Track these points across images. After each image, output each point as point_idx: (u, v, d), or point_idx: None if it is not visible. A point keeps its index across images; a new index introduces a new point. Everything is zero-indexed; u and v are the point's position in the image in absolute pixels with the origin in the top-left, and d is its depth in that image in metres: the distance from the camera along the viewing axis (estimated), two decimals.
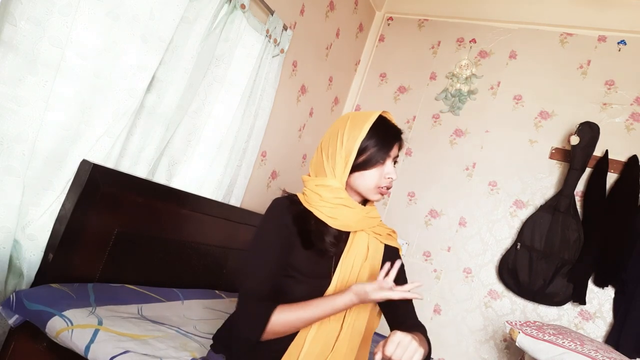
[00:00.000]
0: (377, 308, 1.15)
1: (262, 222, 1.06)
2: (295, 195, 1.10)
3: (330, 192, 1.04)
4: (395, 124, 1.13)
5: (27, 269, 1.28)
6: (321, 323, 1.01)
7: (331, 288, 1.05)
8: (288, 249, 1.04)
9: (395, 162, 1.10)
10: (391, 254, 1.17)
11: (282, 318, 0.97)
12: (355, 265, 1.08)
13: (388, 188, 1.09)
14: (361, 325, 1.07)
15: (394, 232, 1.20)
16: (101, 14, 1.36)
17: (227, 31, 1.79)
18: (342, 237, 1.09)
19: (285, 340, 1.00)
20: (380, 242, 1.14)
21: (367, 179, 1.06)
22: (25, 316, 1.14)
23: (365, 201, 1.13)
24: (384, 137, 1.06)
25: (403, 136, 1.12)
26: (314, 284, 1.06)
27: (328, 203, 1.04)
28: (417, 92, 2.91)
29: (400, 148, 1.12)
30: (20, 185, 1.21)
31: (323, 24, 2.62)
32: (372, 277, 1.09)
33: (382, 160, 1.05)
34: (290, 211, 1.06)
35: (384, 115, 1.11)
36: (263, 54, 2.02)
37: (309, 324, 0.99)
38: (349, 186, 1.08)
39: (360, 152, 1.04)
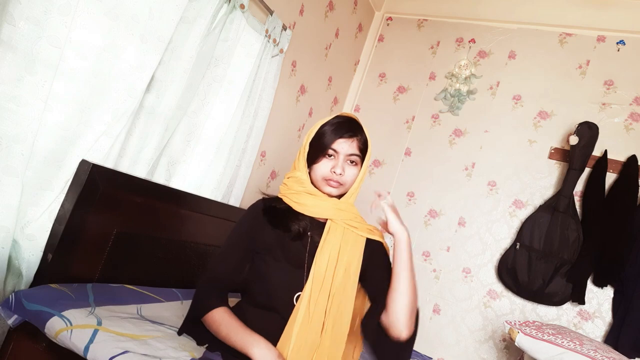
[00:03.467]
0: (362, 290, 1.21)
1: (239, 218, 1.21)
2: (276, 196, 1.23)
3: (296, 182, 1.18)
4: (357, 122, 1.20)
5: (26, 269, 1.28)
6: (303, 323, 1.06)
7: (308, 282, 1.09)
8: (254, 237, 1.15)
9: (352, 161, 1.16)
10: (375, 248, 1.21)
11: (214, 319, 1.07)
12: (331, 257, 1.12)
13: (341, 183, 1.15)
14: (345, 322, 1.11)
15: (376, 228, 1.23)
16: (100, 14, 1.36)
17: (226, 31, 1.79)
18: (314, 226, 1.17)
19: (270, 338, 1.04)
20: (360, 235, 1.18)
21: (316, 171, 1.16)
22: (24, 316, 1.14)
23: (341, 197, 1.20)
24: (330, 131, 1.16)
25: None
26: (290, 270, 1.13)
27: (293, 190, 1.17)
28: (416, 92, 2.91)
29: (361, 148, 1.17)
30: (19, 185, 1.21)
31: (322, 24, 2.62)
32: (347, 272, 1.13)
33: (326, 153, 1.15)
34: (264, 203, 1.19)
35: (348, 115, 1.21)
36: (262, 54, 2.02)
37: (225, 342, 1.05)
38: (312, 181, 1.18)
39: (313, 146, 1.17)
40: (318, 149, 1.16)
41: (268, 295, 1.12)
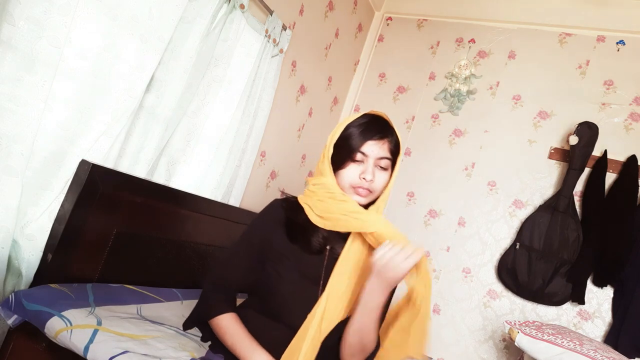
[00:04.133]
0: None
1: (253, 219, 1.12)
2: (295, 198, 1.12)
3: (324, 188, 1.05)
4: (386, 121, 1.08)
5: (25, 269, 1.28)
6: (313, 341, 0.98)
7: (323, 298, 1.00)
8: (267, 243, 1.07)
9: (381, 166, 1.05)
10: None
11: (220, 325, 1.03)
12: (352, 273, 1.03)
13: (370, 191, 1.04)
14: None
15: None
16: (100, 14, 1.36)
17: (226, 31, 1.79)
18: (335, 238, 1.06)
19: (274, 349, 1.00)
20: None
21: (344, 177, 1.04)
22: (24, 316, 1.14)
23: (370, 204, 1.09)
24: (359, 132, 1.04)
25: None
26: (304, 286, 1.04)
27: (319, 198, 1.04)
28: (416, 92, 2.91)
29: (392, 150, 1.06)
30: (19, 185, 1.21)
31: (322, 24, 2.62)
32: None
33: (354, 157, 1.03)
34: (283, 208, 1.09)
35: (377, 114, 1.08)
36: (262, 54, 2.02)
37: (229, 349, 1.02)
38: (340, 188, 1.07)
39: (338, 148, 1.05)
40: (345, 153, 1.04)
41: (278, 308, 1.05)
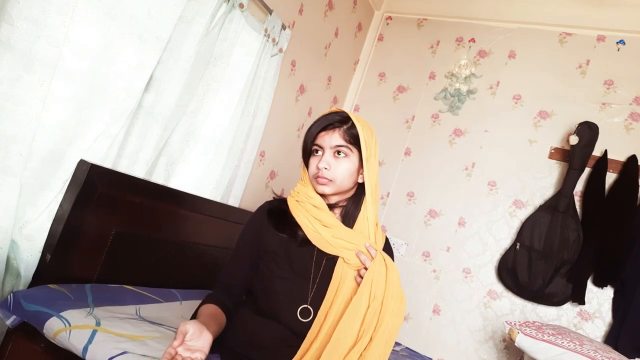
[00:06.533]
0: None
1: (246, 222, 1.17)
2: (285, 198, 1.17)
3: (304, 196, 1.11)
4: (339, 113, 1.10)
5: (24, 270, 1.27)
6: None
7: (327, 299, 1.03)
8: (259, 242, 1.11)
9: (339, 152, 1.07)
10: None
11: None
12: (345, 267, 1.05)
13: (330, 179, 1.06)
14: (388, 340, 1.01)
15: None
16: (99, 13, 1.35)
17: (225, 30, 1.79)
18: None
19: (272, 349, 1.01)
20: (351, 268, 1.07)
21: (309, 172, 1.11)
22: (23, 317, 1.13)
23: (354, 200, 1.12)
24: (312, 127, 1.10)
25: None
26: (295, 280, 1.06)
27: (306, 209, 1.09)
28: (416, 91, 2.91)
29: (349, 137, 1.07)
30: (17, 185, 1.21)
31: (322, 24, 2.61)
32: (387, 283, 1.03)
33: (313, 151, 1.10)
34: (269, 204, 1.15)
35: (332, 111, 1.12)
36: (262, 53, 2.02)
37: None
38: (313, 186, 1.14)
39: (303, 151, 1.14)
40: (305, 150, 1.12)
41: (270, 305, 1.06)
